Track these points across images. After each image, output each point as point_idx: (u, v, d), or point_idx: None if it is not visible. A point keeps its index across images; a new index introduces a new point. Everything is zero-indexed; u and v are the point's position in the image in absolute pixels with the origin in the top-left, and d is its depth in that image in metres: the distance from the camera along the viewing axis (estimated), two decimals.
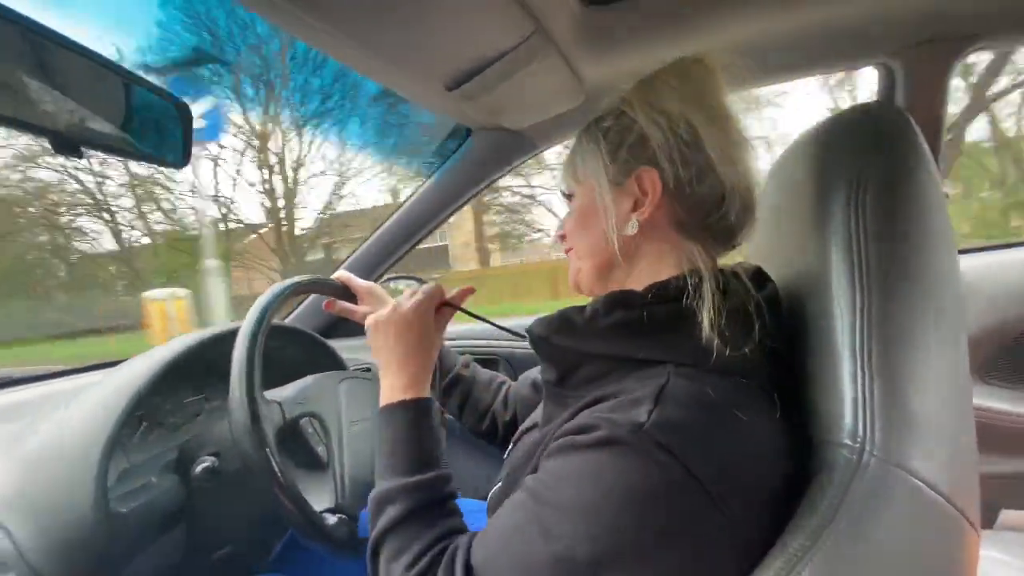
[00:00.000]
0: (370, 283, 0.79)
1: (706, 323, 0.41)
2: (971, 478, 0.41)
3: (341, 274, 0.78)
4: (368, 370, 1.21)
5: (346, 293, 0.78)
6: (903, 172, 0.44)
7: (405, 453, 0.52)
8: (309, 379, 0.70)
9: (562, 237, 0.58)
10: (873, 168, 0.44)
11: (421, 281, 1.35)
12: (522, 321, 1.02)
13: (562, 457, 0.40)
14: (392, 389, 0.56)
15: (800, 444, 0.42)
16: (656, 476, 0.35)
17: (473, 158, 1.16)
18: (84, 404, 0.70)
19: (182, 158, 0.54)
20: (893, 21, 0.84)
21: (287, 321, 1.24)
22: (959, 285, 0.45)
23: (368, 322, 0.61)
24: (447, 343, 0.85)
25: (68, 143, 0.39)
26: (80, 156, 0.40)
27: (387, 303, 0.75)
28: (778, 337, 0.44)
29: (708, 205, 0.47)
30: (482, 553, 0.41)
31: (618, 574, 0.35)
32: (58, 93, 0.41)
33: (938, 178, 0.47)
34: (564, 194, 0.59)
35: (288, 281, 0.69)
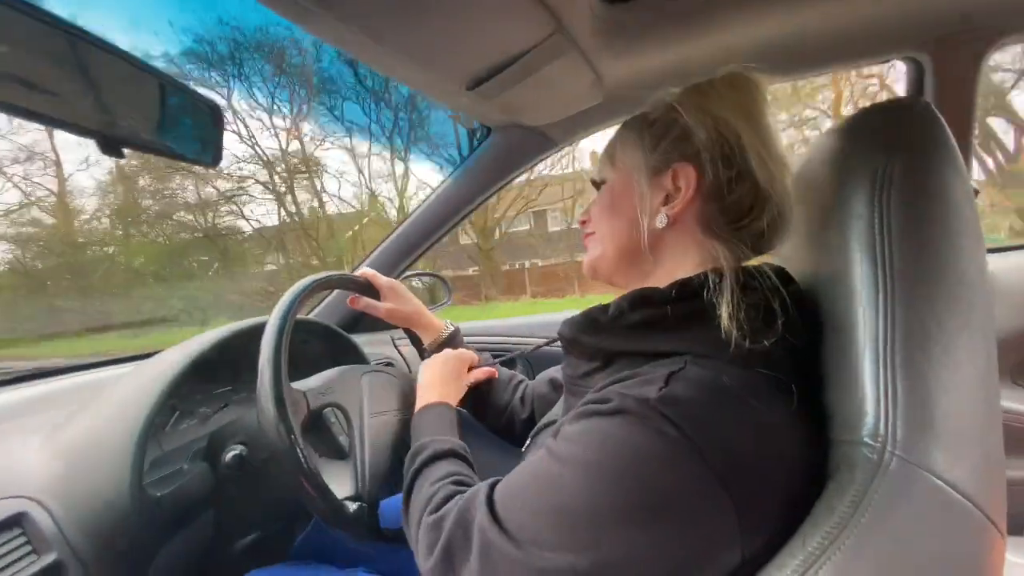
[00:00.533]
0: (392, 280, 0.81)
1: (724, 316, 0.42)
2: (998, 481, 0.40)
3: (365, 271, 0.80)
4: (389, 364, 1.23)
5: (369, 289, 0.80)
6: (930, 168, 0.43)
7: (435, 427, 0.64)
8: (333, 371, 0.72)
9: (584, 223, 0.59)
10: (898, 164, 0.43)
11: (440, 278, 1.37)
12: None
13: (578, 422, 0.42)
14: (429, 398, 0.69)
15: (819, 442, 0.41)
16: (659, 444, 0.36)
17: (493, 156, 1.16)
18: (121, 393, 0.73)
19: (213, 158, 0.57)
20: (922, 15, 0.82)
21: (311, 316, 1.27)
22: (988, 284, 0.44)
23: (424, 364, 0.76)
24: (467, 339, 0.86)
25: (112, 143, 0.41)
26: (122, 156, 0.42)
27: (408, 299, 0.78)
28: (801, 334, 0.44)
29: (739, 210, 0.48)
30: (503, 491, 0.45)
31: (615, 534, 0.36)
32: (101, 95, 0.44)
33: (966, 175, 0.46)
34: (595, 182, 0.59)
35: (313, 277, 0.71)
